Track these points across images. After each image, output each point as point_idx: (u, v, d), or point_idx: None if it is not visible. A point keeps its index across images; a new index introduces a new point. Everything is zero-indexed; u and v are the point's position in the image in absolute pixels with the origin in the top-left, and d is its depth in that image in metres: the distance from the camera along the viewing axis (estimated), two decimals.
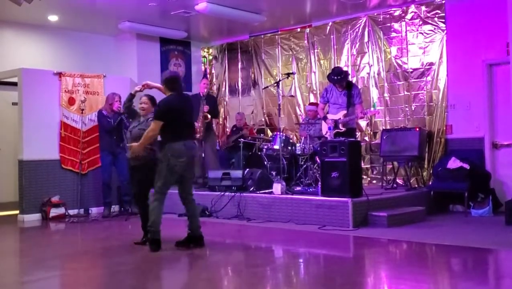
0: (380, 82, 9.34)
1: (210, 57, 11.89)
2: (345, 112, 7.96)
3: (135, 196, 6.75)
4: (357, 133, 8.99)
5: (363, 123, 9.48)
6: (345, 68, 9.13)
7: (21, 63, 9.25)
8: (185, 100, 6.22)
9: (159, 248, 5.96)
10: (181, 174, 6.01)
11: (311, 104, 9.58)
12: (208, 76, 11.73)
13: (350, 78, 8.91)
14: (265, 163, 8.77)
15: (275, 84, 9.03)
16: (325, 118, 8.16)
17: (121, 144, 8.65)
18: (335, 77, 8.06)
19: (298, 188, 8.29)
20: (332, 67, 9.27)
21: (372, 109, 8.88)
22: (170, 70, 6.21)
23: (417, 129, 8.52)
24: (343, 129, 7.94)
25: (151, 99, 6.48)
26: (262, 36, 10.92)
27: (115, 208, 9.34)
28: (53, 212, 8.82)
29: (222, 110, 11.56)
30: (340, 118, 7.97)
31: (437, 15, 8.67)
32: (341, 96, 8.06)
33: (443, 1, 8.62)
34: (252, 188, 8.36)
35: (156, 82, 6.82)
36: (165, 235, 6.17)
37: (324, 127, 8.17)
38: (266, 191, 8.13)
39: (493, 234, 6.51)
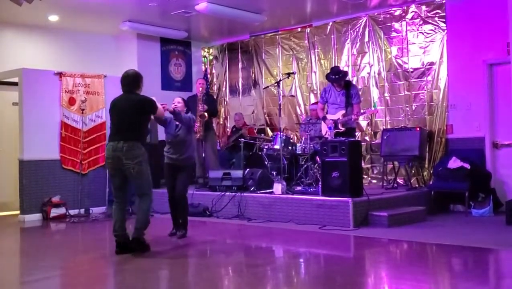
0: (380, 82, 9.33)
1: (211, 57, 11.88)
2: (343, 112, 7.95)
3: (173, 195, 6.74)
4: (357, 133, 8.98)
5: (363, 123, 9.47)
6: (344, 68, 9.12)
7: (22, 63, 9.25)
8: (126, 101, 5.89)
9: (120, 250, 5.85)
10: (118, 175, 5.85)
11: (314, 103, 9.56)
12: (208, 76, 11.74)
13: (349, 78, 8.90)
14: (266, 163, 8.77)
15: (276, 84, 9.03)
16: (324, 119, 8.16)
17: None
18: (333, 76, 8.07)
19: (299, 188, 8.29)
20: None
21: (372, 108, 8.88)
22: (128, 69, 5.96)
23: (418, 129, 8.52)
24: (343, 129, 7.94)
25: (184, 99, 6.72)
26: (263, 36, 10.91)
27: None
28: (54, 212, 8.83)
29: (222, 110, 11.56)
30: (339, 118, 7.96)
31: (437, 15, 8.67)
32: (340, 96, 8.05)
33: (444, 1, 8.61)
34: (252, 188, 8.36)
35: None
36: (163, 235, 6.16)
37: (324, 127, 8.17)
38: (267, 191, 8.13)
39: (494, 234, 6.51)
